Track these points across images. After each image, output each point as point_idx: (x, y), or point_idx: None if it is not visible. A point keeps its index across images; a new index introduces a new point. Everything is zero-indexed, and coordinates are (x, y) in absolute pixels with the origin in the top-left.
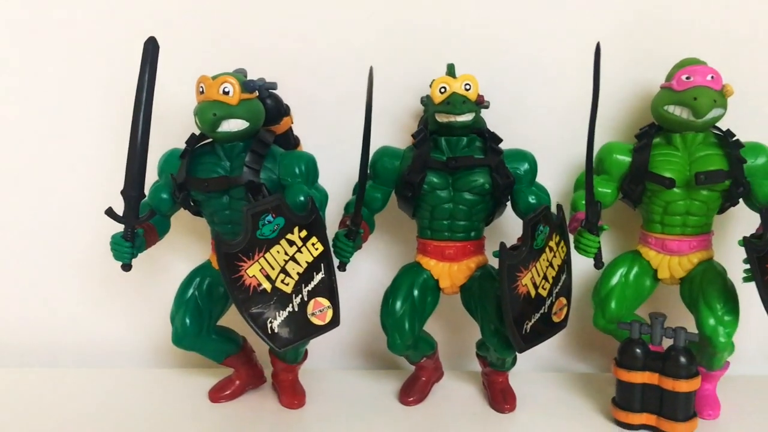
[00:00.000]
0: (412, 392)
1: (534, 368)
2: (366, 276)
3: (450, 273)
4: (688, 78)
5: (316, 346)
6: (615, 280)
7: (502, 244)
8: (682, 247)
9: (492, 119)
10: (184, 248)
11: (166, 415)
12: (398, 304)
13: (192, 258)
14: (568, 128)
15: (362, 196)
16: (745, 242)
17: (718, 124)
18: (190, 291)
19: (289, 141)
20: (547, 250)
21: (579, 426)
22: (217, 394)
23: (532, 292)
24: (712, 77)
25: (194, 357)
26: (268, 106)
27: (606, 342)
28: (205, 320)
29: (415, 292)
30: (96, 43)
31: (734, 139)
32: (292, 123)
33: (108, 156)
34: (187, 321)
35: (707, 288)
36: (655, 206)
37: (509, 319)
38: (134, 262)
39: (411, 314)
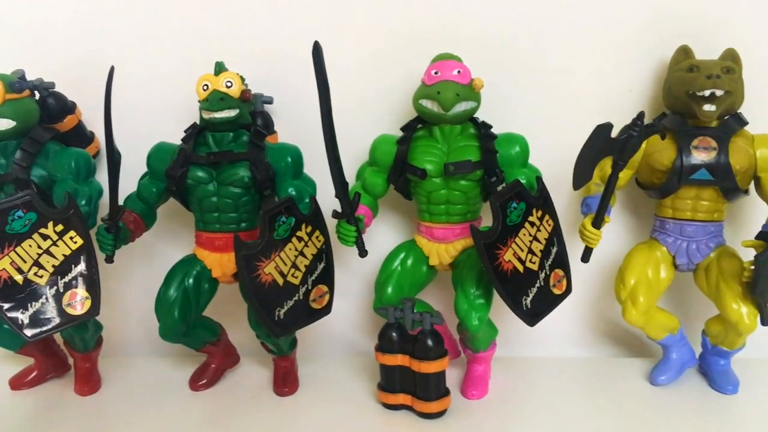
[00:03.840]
0: (201, 378)
1: (348, 353)
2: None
3: (220, 263)
4: (436, 73)
5: (117, 334)
6: (392, 266)
7: (236, 237)
8: (447, 235)
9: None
10: None
11: None
12: (169, 293)
13: None
14: (359, 122)
15: (115, 191)
16: (472, 230)
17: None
18: None
19: (82, 137)
20: (295, 240)
21: (350, 407)
22: (17, 382)
23: (280, 281)
24: (459, 72)
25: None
26: (49, 105)
27: None
28: None
29: (189, 282)
30: None
31: (487, 130)
32: (80, 119)
33: None
34: None
35: (465, 273)
36: (420, 196)
37: (254, 306)
38: None
39: (182, 303)
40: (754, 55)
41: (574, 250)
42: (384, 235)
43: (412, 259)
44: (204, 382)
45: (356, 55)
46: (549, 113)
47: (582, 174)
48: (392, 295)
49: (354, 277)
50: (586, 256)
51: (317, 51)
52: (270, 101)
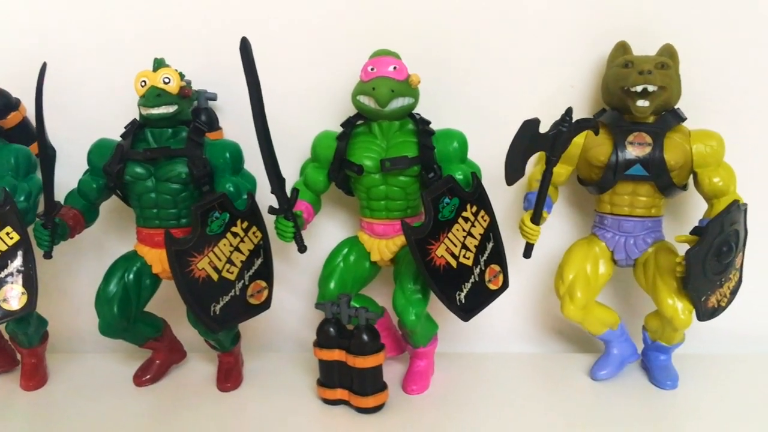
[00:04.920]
0: (146, 373)
1: (295, 349)
2: None
3: (161, 259)
4: (372, 69)
5: (66, 329)
6: (335, 262)
7: (167, 232)
8: (388, 231)
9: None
10: None
11: None
12: (109, 289)
13: None
14: (304, 118)
15: (51, 187)
16: (403, 226)
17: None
18: None
19: (27, 134)
20: (230, 235)
21: (291, 403)
22: None
23: (214, 276)
24: (395, 68)
25: None
26: None
27: None
28: None
29: (129, 278)
30: None
31: (426, 126)
32: (25, 116)
33: None
34: None
35: (403, 269)
36: (360, 192)
37: (188, 301)
38: None
39: (122, 299)
40: (694, 51)
41: (517, 246)
42: (329, 231)
43: (355, 255)
44: (148, 377)
45: (300, 51)
46: (490, 110)
47: (513, 169)
48: (335, 290)
49: (301, 273)
50: (527, 252)
51: (245, 47)
52: (214, 98)
